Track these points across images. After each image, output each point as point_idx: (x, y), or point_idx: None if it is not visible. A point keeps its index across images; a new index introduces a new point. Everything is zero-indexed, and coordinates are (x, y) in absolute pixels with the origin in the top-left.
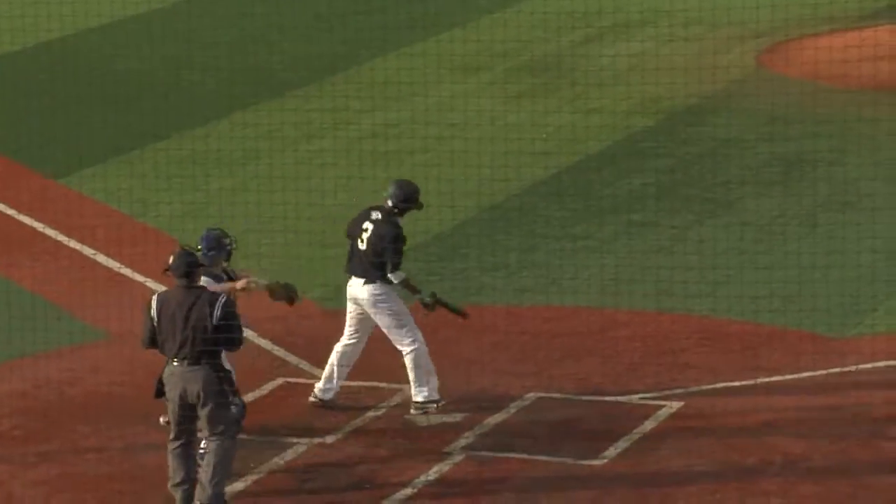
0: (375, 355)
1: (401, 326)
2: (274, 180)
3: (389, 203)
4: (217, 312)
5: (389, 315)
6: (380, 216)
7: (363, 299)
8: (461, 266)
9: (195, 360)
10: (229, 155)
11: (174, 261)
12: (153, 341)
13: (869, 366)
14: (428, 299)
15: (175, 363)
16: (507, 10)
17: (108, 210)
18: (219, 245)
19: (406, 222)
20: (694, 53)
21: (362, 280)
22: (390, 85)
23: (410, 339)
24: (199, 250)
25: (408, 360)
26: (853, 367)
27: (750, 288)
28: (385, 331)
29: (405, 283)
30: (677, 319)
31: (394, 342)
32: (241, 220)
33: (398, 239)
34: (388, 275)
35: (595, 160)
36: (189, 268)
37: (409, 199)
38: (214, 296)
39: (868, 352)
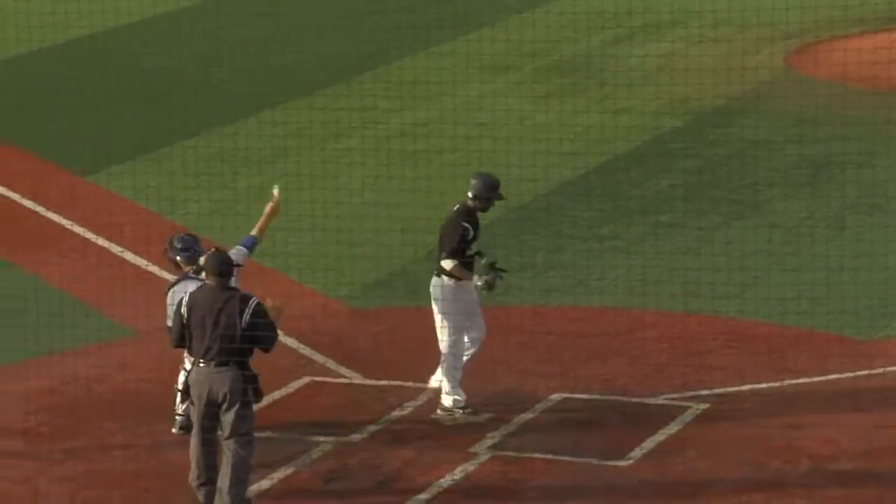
0: (402, 354)
1: (447, 327)
2: (302, 179)
3: (469, 195)
4: (247, 315)
5: (444, 312)
6: (455, 208)
7: (431, 292)
8: None
9: (223, 362)
10: (258, 153)
11: (207, 260)
12: (182, 340)
13: None
14: (480, 283)
15: (202, 364)
16: (536, 10)
17: (136, 208)
18: (193, 247)
19: (432, 222)
20: (723, 54)
21: (434, 273)
22: (418, 84)
23: (452, 343)
24: (177, 248)
25: (442, 362)
26: (881, 370)
27: (777, 290)
28: (436, 325)
29: (457, 270)
30: (704, 321)
31: (438, 339)
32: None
33: (455, 228)
34: (442, 262)
35: (623, 161)
36: (222, 267)
37: (488, 189)
38: (246, 298)
39: (895, 354)
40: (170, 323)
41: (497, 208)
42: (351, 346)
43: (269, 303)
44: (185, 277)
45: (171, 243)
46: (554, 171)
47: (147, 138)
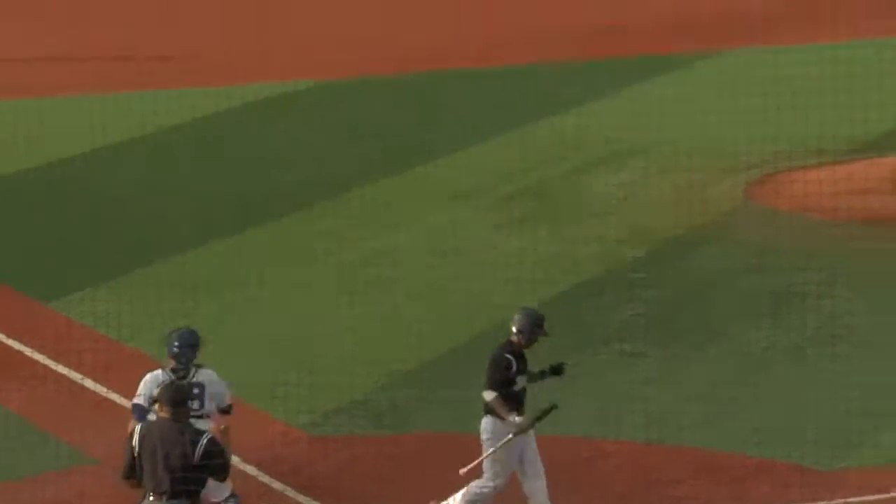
0: (362, 483)
1: (489, 469)
2: (262, 305)
3: (513, 329)
4: (199, 450)
5: (492, 455)
6: (500, 343)
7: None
8: (452, 393)
9: (174, 496)
10: (218, 280)
11: (161, 392)
12: (132, 471)
13: (856, 499)
14: (517, 419)
15: (152, 498)
16: (500, 139)
17: (95, 335)
18: (196, 346)
19: (396, 349)
20: (684, 185)
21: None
22: (383, 211)
23: (488, 484)
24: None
25: (467, 490)
26: (841, 501)
27: (739, 420)
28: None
29: (496, 403)
30: (667, 450)
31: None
32: (229, 345)
33: (497, 360)
34: (483, 393)
35: (586, 290)
36: (177, 399)
37: (533, 325)
38: (198, 433)
39: (855, 485)
40: (137, 400)
41: (459, 335)
42: (311, 474)
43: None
44: (161, 368)
45: (170, 333)
46: (518, 298)
47: (106, 265)
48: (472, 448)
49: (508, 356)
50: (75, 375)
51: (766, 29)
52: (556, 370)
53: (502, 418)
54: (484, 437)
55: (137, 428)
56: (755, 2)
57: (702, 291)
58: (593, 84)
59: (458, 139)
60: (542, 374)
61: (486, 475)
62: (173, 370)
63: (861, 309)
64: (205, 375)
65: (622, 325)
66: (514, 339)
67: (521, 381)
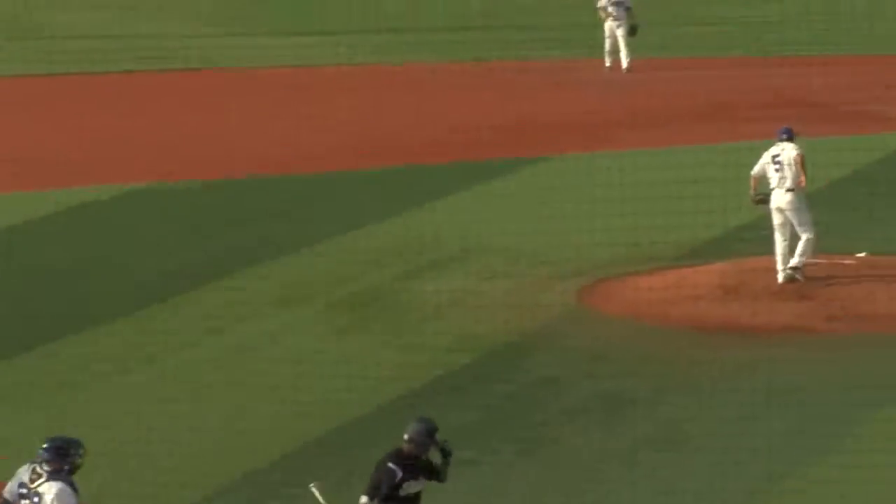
0: None
1: None
2: (93, 415)
3: (405, 437)
4: None
5: None
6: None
7: None
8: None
9: None
10: (50, 385)
11: None
12: None
13: None
14: None
15: None
16: (326, 244)
17: None
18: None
19: (221, 459)
20: (515, 289)
21: None
22: (210, 317)
23: None
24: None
25: None
26: None
27: None
28: None
29: None
30: None
31: None
32: None
33: (379, 468)
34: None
35: (415, 397)
36: None
37: (424, 435)
38: None
39: None
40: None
41: (286, 444)
42: None
43: None
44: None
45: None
46: (346, 407)
47: None
48: None
49: (392, 465)
50: None
51: (603, 134)
52: (444, 452)
53: None
54: None
55: None
56: (592, 107)
57: (533, 397)
58: (426, 188)
59: (289, 243)
60: (444, 464)
61: None
62: (33, 471)
63: (693, 415)
64: (51, 487)
65: (452, 433)
66: (404, 447)
67: (408, 487)
